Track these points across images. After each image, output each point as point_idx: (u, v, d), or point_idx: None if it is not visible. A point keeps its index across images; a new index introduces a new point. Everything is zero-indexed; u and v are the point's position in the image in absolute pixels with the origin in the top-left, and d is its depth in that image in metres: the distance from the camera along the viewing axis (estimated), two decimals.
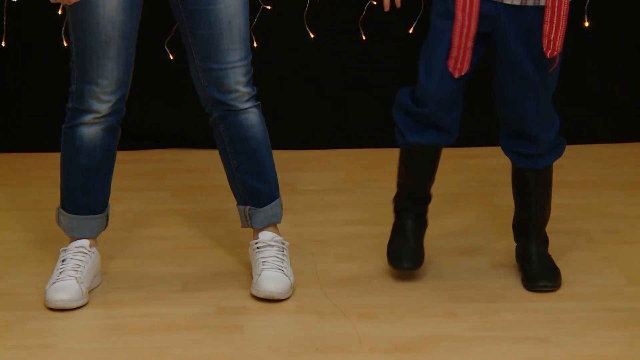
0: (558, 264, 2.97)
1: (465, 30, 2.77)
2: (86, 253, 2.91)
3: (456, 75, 2.80)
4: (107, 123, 2.89)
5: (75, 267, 2.88)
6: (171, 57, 3.96)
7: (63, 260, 2.90)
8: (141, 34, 2.95)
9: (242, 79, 2.91)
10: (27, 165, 4.03)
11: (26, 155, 4.11)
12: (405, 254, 2.97)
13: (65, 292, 2.81)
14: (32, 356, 2.65)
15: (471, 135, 3.61)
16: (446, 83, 2.81)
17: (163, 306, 2.86)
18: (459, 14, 2.76)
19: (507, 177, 3.08)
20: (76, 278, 2.85)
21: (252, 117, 2.96)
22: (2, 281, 2.99)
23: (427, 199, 3.06)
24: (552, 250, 3.05)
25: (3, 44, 4.16)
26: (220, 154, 3.04)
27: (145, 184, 3.75)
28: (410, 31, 4.01)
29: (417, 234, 3.02)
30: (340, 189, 3.72)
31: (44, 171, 3.86)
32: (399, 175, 3.03)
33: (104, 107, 2.86)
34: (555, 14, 2.72)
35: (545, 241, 3.01)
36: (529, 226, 2.99)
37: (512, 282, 2.97)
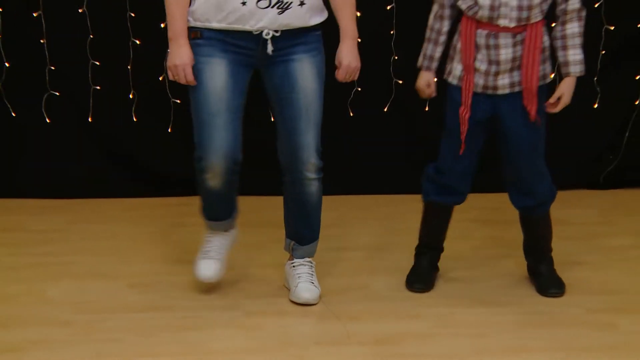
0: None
1: (466, 110, 2.98)
2: (221, 241, 3.24)
3: (460, 153, 3.02)
4: (223, 177, 3.02)
5: (216, 249, 3.22)
6: None
7: (206, 243, 3.24)
8: None
9: (314, 154, 3.07)
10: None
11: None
12: (419, 279, 3.24)
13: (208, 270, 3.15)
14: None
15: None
16: (461, 160, 3.06)
17: (205, 310, 3.10)
18: (463, 95, 2.99)
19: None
20: (215, 258, 3.19)
21: (314, 187, 3.12)
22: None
23: (440, 249, 3.32)
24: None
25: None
26: (284, 199, 3.23)
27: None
28: (385, 109, 4.23)
29: (430, 270, 3.29)
30: (333, 225, 3.79)
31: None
32: (421, 229, 3.29)
33: (217, 167, 2.99)
34: (529, 92, 2.94)
35: (551, 261, 3.25)
36: (537, 252, 3.24)
37: (464, 293, 3.23)
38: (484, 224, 3.92)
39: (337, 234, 3.81)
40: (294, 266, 3.24)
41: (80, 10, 4.07)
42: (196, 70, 2.94)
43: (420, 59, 3.12)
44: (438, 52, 3.08)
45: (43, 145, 4.21)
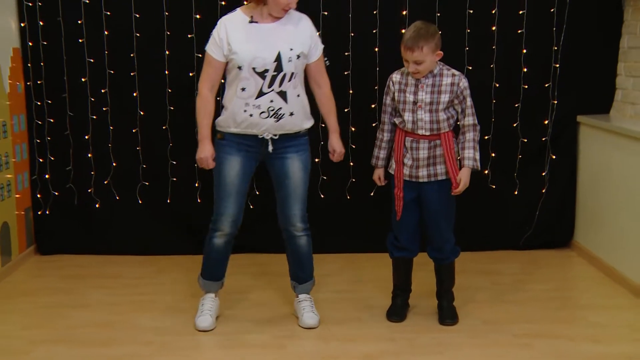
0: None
1: (399, 191, 3.04)
2: (213, 301, 3.15)
3: (399, 215, 3.05)
4: (227, 237, 3.06)
5: (209, 307, 3.13)
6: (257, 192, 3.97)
7: (202, 305, 3.14)
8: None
9: (300, 220, 3.08)
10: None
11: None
12: (394, 313, 3.21)
13: (206, 321, 3.07)
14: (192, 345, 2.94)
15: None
16: (405, 229, 3.09)
17: (243, 333, 3.08)
18: (395, 182, 3.06)
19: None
20: (210, 314, 3.10)
21: (303, 240, 3.12)
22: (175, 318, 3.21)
23: (409, 290, 3.27)
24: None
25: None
26: (286, 252, 3.19)
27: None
28: (372, 194, 4.07)
29: (403, 306, 3.24)
30: (333, 274, 3.82)
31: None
32: (393, 277, 3.25)
33: (227, 228, 3.04)
34: (452, 175, 2.97)
35: (451, 297, 3.18)
36: (441, 290, 3.18)
37: (427, 322, 3.18)
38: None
39: (335, 281, 3.75)
40: (299, 301, 3.21)
41: (164, 127, 4.07)
42: (219, 161, 2.98)
43: (372, 159, 3.19)
44: (382, 154, 3.13)
45: (136, 218, 4.14)
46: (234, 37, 2.87)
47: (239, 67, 2.86)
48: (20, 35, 3.94)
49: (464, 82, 2.95)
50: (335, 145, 3.13)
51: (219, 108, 3.10)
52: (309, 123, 3.04)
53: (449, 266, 3.13)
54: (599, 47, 3.98)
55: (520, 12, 3.95)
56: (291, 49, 2.87)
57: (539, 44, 3.99)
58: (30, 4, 3.90)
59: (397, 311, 3.22)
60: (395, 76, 3.03)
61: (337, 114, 3.17)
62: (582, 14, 3.94)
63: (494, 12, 3.93)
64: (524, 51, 3.98)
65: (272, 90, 2.86)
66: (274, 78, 2.86)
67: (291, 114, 2.91)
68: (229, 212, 3.01)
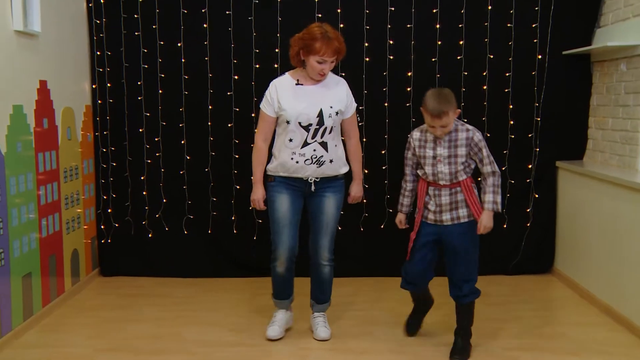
0: None
1: (413, 234, 2.89)
2: (283, 315, 3.13)
3: (408, 256, 2.89)
4: (286, 264, 3.00)
5: (279, 319, 3.12)
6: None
7: (274, 316, 3.14)
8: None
9: (327, 251, 3.04)
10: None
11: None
12: (410, 328, 3.14)
13: (274, 331, 3.05)
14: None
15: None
16: (418, 266, 2.91)
17: (272, 345, 3.06)
18: (413, 234, 2.89)
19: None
20: (279, 325, 3.08)
21: (327, 269, 3.08)
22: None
23: (423, 311, 3.15)
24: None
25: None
26: (310, 274, 3.13)
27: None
28: (382, 227, 4.09)
29: (417, 322, 3.16)
30: (346, 294, 3.80)
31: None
32: (412, 300, 3.13)
33: (283, 257, 2.98)
34: (477, 215, 2.81)
35: (467, 336, 2.94)
36: (458, 327, 2.96)
37: (433, 340, 3.06)
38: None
39: (351, 300, 3.71)
40: (314, 317, 3.18)
41: (206, 170, 4.08)
42: (272, 199, 2.95)
43: (398, 205, 3.04)
44: (406, 201, 2.99)
45: (182, 246, 4.14)
46: (283, 97, 2.89)
47: (287, 122, 2.88)
48: (92, 95, 4.07)
49: (477, 136, 2.80)
50: (356, 190, 3.11)
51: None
52: (345, 169, 3.02)
53: (467, 306, 2.89)
54: (573, 104, 4.02)
55: (507, 74, 4.03)
56: (331, 107, 2.89)
57: (523, 101, 4.04)
58: (101, 70, 4.04)
59: (412, 327, 3.16)
60: (415, 134, 2.89)
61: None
62: (559, 76, 4.00)
63: (484, 73, 4.02)
64: (511, 107, 4.05)
65: (315, 141, 2.87)
66: (316, 131, 2.87)
67: (331, 161, 2.91)
68: (285, 242, 2.95)
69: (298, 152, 2.88)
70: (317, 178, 2.92)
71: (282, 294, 3.12)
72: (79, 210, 3.92)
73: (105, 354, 2.96)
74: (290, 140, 2.88)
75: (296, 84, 2.92)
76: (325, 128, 2.88)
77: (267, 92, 2.96)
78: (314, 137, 2.87)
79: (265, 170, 2.99)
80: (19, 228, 3.22)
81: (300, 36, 2.86)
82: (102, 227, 4.16)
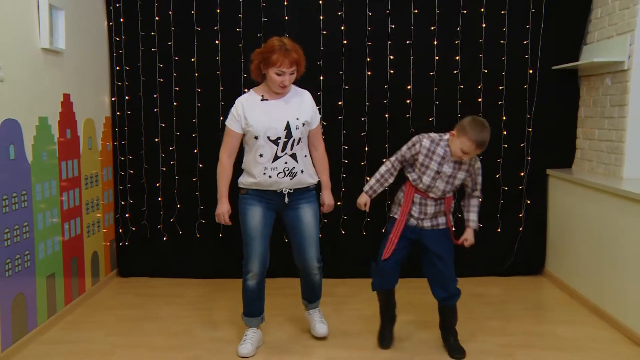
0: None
1: (395, 237, 2.79)
2: (255, 332, 2.97)
3: (386, 256, 2.77)
4: (257, 278, 2.86)
5: (251, 337, 2.94)
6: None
7: (245, 335, 2.97)
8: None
9: (316, 260, 2.93)
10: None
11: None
12: (383, 341, 2.98)
13: (246, 349, 2.87)
14: None
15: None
16: (389, 262, 2.81)
17: (275, 347, 2.99)
18: (394, 228, 2.80)
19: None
20: (251, 343, 2.91)
21: (317, 276, 2.98)
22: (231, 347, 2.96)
23: (394, 318, 3.01)
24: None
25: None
26: (300, 280, 3.04)
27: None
28: (364, 233, 4.08)
29: (389, 333, 3.00)
30: (338, 294, 3.72)
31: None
32: (379, 307, 2.99)
33: (255, 269, 2.84)
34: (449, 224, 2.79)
35: (456, 333, 2.91)
36: (448, 328, 2.91)
37: (414, 347, 2.96)
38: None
39: (347, 301, 3.64)
40: (310, 314, 3.10)
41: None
42: (244, 212, 2.81)
43: (366, 187, 2.89)
44: (379, 189, 2.86)
45: (195, 249, 4.13)
46: (250, 113, 2.78)
47: (256, 137, 2.75)
48: (111, 107, 4.10)
49: (478, 164, 2.77)
50: (327, 199, 2.97)
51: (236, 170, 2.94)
52: (315, 178, 2.91)
53: (453, 307, 2.84)
54: (562, 116, 4.03)
55: (500, 88, 4.03)
56: (297, 119, 2.78)
57: (515, 113, 4.05)
58: (119, 83, 4.07)
59: (385, 338, 2.98)
60: (425, 142, 2.73)
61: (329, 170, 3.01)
62: (549, 90, 4.00)
63: (479, 87, 4.02)
64: (504, 118, 4.05)
65: (285, 153, 2.75)
66: (285, 143, 2.75)
67: (302, 171, 2.80)
68: (256, 253, 2.81)
69: (270, 166, 2.75)
70: (290, 190, 2.80)
71: (254, 310, 2.94)
72: (98, 215, 3.95)
73: (123, 350, 2.97)
74: (261, 155, 2.75)
75: (261, 100, 2.81)
76: (294, 140, 2.76)
77: (233, 109, 2.83)
78: (283, 149, 2.75)
79: (237, 183, 2.87)
80: (44, 231, 3.24)
81: (259, 50, 2.76)
82: (120, 230, 4.17)
